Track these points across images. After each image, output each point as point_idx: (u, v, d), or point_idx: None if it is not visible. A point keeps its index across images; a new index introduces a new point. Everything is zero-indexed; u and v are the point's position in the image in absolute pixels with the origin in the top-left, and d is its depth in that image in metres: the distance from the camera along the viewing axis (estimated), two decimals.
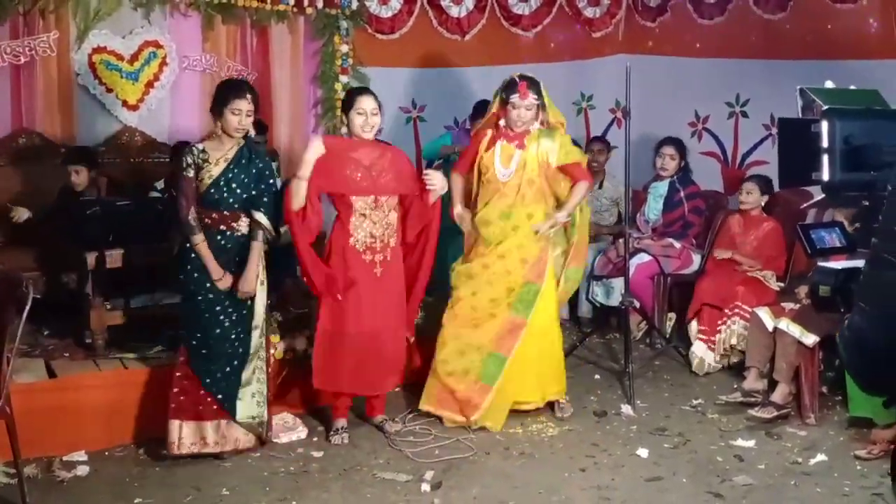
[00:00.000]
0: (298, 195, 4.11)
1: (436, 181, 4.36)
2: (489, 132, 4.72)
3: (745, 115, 6.60)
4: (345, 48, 6.36)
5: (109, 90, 5.81)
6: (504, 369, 4.62)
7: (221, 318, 4.17)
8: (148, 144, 5.91)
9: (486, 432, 4.65)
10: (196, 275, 4.13)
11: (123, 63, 5.82)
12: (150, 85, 5.92)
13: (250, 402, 4.26)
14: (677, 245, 5.99)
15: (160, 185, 5.59)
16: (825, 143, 1.87)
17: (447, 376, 4.65)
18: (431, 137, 6.83)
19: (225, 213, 4.12)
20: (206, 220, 4.13)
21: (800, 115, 2.09)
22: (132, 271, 4.81)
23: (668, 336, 5.96)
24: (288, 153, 6.23)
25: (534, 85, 4.58)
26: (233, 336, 4.20)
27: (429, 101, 6.84)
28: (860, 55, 5.58)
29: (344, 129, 6.18)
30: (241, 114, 4.05)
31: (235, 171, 4.12)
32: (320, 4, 6.21)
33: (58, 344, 4.96)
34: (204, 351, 4.17)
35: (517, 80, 4.58)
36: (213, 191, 4.09)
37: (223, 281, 4.12)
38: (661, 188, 6.17)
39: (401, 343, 4.55)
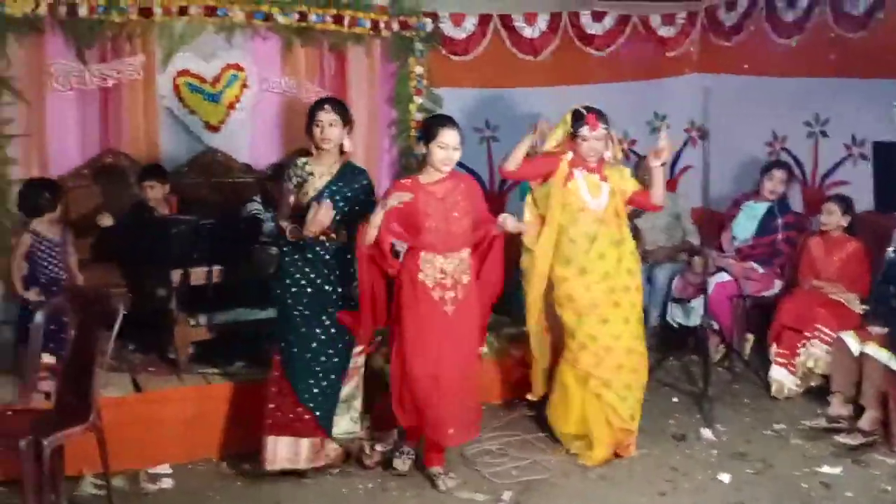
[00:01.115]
0: (370, 239, 3.98)
1: (508, 225, 4.21)
2: (564, 157, 4.60)
3: (824, 134, 6.48)
4: (419, 70, 6.42)
5: (192, 112, 5.95)
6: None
7: (317, 330, 4.18)
8: (228, 165, 6.03)
9: (564, 454, 4.62)
10: (293, 289, 4.17)
11: (206, 85, 5.95)
12: (231, 106, 6.04)
13: (347, 418, 4.29)
14: (760, 270, 5.88)
15: (252, 205, 5.61)
16: None
17: (631, 423, 4.62)
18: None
19: (327, 224, 4.10)
20: (307, 232, 4.12)
21: None
22: (215, 288, 4.90)
23: (746, 359, 5.85)
24: None
25: (601, 116, 4.55)
26: (331, 350, 4.20)
27: (502, 122, 6.85)
28: None
29: (420, 149, 6.32)
30: (322, 124, 4.12)
31: (340, 184, 4.17)
32: (396, 27, 6.28)
33: (142, 359, 5.08)
34: (300, 364, 4.18)
35: (584, 111, 4.55)
36: (317, 202, 4.09)
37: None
38: (759, 209, 6.04)
39: (473, 392, 4.30)
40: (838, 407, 4.90)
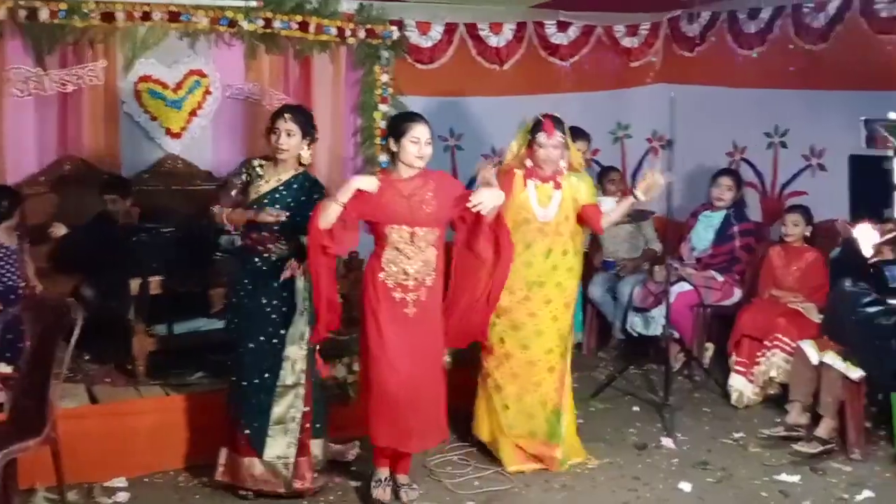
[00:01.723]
0: (329, 216, 3.80)
1: (481, 198, 3.94)
2: (517, 172, 4.53)
3: (784, 145, 6.56)
4: (385, 78, 6.41)
5: (154, 118, 5.90)
6: (564, 424, 4.58)
7: (251, 345, 4.06)
8: (190, 172, 5.98)
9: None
10: (233, 299, 4.12)
11: (168, 91, 5.90)
12: (193, 113, 6.00)
13: (282, 441, 4.07)
14: (720, 278, 5.94)
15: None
16: None
17: (518, 439, 4.56)
18: (469, 166, 6.82)
19: (265, 234, 4.04)
20: (247, 240, 4.09)
21: (864, 145, 2.08)
22: (175, 298, 4.85)
23: (707, 367, 5.90)
24: (327, 181, 6.24)
25: (559, 123, 4.50)
26: (264, 366, 4.06)
27: (466, 130, 6.86)
28: None
29: (383, 157, 6.31)
30: (279, 132, 4.03)
31: (284, 192, 4.07)
32: (362, 35, 6.26)
33: (99, 369, 5.01)
34: (234, 379, 4.10)
35: (542, 119, 4.50)
36: (255, 207, 4.04)
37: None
38: (715, 218, 6.11)
39: (438, 397, 4.12)
40: (796, 415, 4.95)
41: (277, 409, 4.07)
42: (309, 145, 4.14)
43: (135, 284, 4.77)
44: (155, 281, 4.82)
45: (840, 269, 1.51)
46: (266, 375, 4.06)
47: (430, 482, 4.40)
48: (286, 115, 4.06)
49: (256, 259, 4.08)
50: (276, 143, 4.04)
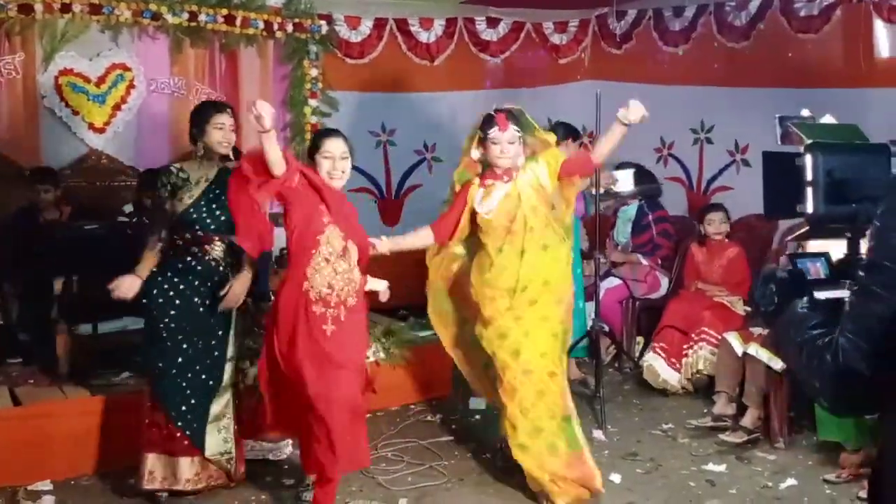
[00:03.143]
0: (273, 151, 3.49)
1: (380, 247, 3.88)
2: (475, 180, 4.18)
3: (709, 141, 6.71)
4: (314, 72, 6.34)
5: (76, 113, 5.74)
6: (578, 429, 4.19)
7: (185, 346, 3.97)
8: (114, 168, 5.84)
9: (459, 459, 4.63)
10: (160, 300, 3.96)
11: (90, 85, 5.76)
12: (116, 108, 5.86)
13: (218, 437, 4.07)
14: (644, 262, 6.05)
15: (128, 208, 5.52)
16: (809, 177, 1.91)
17: (540, 469, 4.06)
18: (401, 161, 6.84)
19: (199, 234, 3.99)
20: (179, 241, 4.00)
21: (779, 142, 2.14)
22: (100, 297, 4.73)
23: (636, 360, 6.00)
24: None
25: (513, 116, 4.09)
26: (198, 367, 4.00)
27: (398, 126, 6.85)
28: (822, 83, 5.70)
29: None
30: (224, 127, 4.01)
31: (217, 192, 3.98)
32: (290, 28, 6.19)
33: (22, 370, 4.87)
34: (167, 381, 3.98)
35: (493, 113, 4.10)
36: (192, 210, 3.97)
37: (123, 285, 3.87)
38: (630, 212, 6.25)
39: (356, 421, 3.77)
40: (723, 406, 5.06)
41: (216, 408, 4.06)
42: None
43: (58, 283, 4.64)
44: (78, 279, 4.69)
45: (787, 289, 1.56)
46: (203, 376, 4.01)
47: (364, 479, 4.37)
48: (229, 111, 4.08)
49: (189, 258, 4.00)
50: (223, 138, 4.01)
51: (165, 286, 3.98)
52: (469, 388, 4.77)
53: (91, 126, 5.80)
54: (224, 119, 4.02)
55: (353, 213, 3.88)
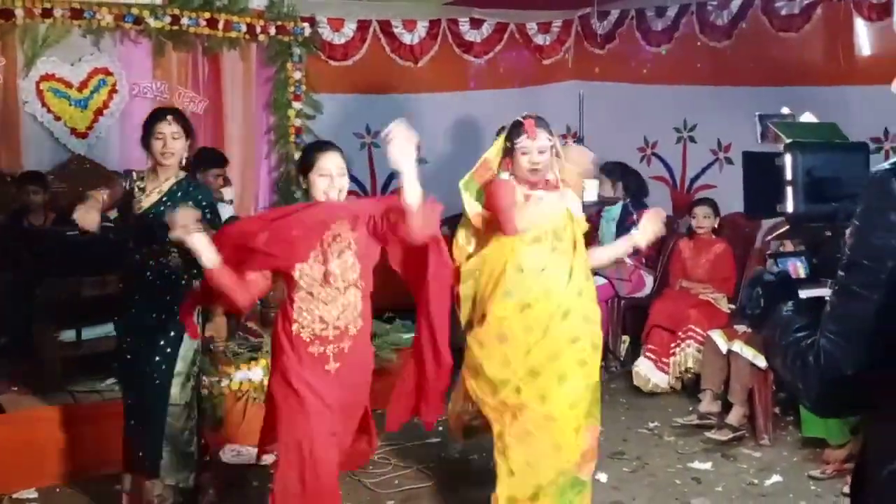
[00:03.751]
0: (217, 286, 3.16)
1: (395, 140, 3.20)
2: (510, 179, 3.64)
3: (692, 140, 6.74)
4: (298, 75, 6.33)
5: (57, 118, 5.72)
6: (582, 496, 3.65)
7: (144, 366, 3.73)
8: (97, 172, 5.80)
9: (446, 461, 4.63)
10: (122, 312, 3.83)
11: (72, 90, 5.73)
12: (99, 112, 5.84)
13: (176, 463, 3.77)
14: (628, 261, 6.07)
15: (112, 214, 5.46)
16: (789, 176, 1.92)
17: None
18: (386, 163, 6.79)
19: (154, 246, 3.72)
20: (137, 255, 3.77)
21: (759, 141, 2.15)
22: (83, 302, 4.71)
23: (622, 359, 6.02)
24: (241, 180, 6.18)
25: (543, 122, 3.63)
26: (148, 386, 3.71)
27: (382, 127, 6.74)
28: (803, 82, 5.73)
29: (298, 155, 6.24)
30: (164, 137, 3.72)
31: (169, 204, 3.66)
32: (273, 31, 6.18)
33: (6, 377, 4.83)
34: (127, 400, 3.82)
35: (521, 119, 3.62)
36: (141, 219, 3.73)
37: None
38: (614, 211, 6.27)
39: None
40: (708, 404, 5.08)
41: (169, 429, 3.75)
42: (191, 147, 3.89)
43: (42, 288, 4.61)
44: (63, 285, 4.66)
45: (773, 293, 1.56)
46: (159, 395, 3.73)
47: (351, 482, 4.37)
48: (169, 118, 3.77)
49: (148, 273, 3.76)
50: (164, 148, 3.72)
51: (126, 299, 3.82)
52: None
53: (73, 131, 5.78)
54: (163, 128, 3.73)
55: (334, 208, 3.30)
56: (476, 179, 3.73)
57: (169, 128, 3.73)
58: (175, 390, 3.74)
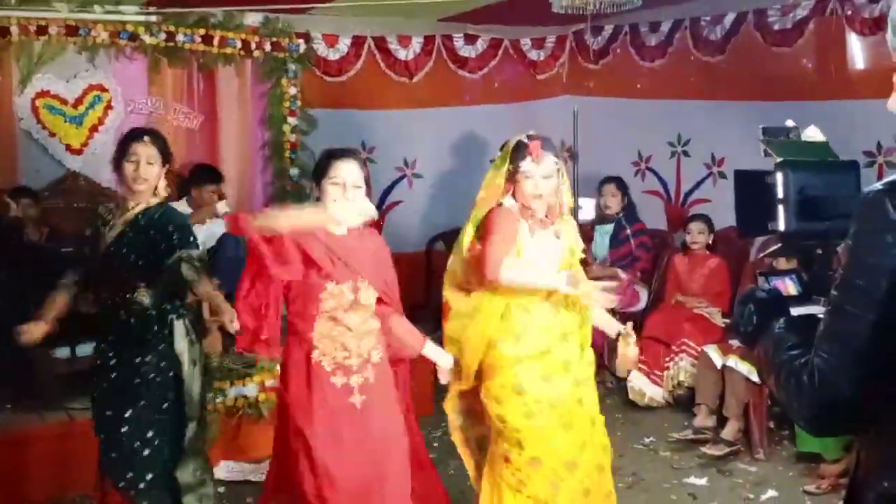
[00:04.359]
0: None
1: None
2: (512, 209, 3.41)
3: (686, 154, 6.76)
4: (293, 90, 6.34)
5: (52, 134, 5.71)
6: None
7: (127, 415, 3.30)
8: (92, 189, 5.81)
9: (442, 475, 4.61)
10: (102, 344, 3.44)
11: (67, 107, 5.73)
12: (94, 129, 5.83)
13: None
14: (623, 275, 6.08)
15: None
16: (780, 194, 1.93)
17: None
18: (382, 178, 6.84)
19: (120, 281, 3.32)
20: (104, 293, 3.40)
21: (763, 155, 2.15)
22: (78, 319, 4.69)
23: (617, 374, 6.01)
24: (236, 195, 6.19)
25: (550, 144, 3.38)
26: (150, 434, 3.31)
27: (378, 143, 6.86)
28: (797, 96, 5.76)
29: (294, 170, 6.26)
30: (138, 160, 3.32)
31: (132, 235, 3.33)
32: (268, 47, 6.19)
33: (0, 394, 4.82)
34: (114, 445, 3.33)
35: (526, 140, 3.35)
36: (106, 257, 3.35)
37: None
38: (608, 226, 6.29)
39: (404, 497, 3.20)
40: (703, 418, 5.08)
41: (184, 477, 3.39)
42: (167, 174, 3.48)
43: (37, 305, 4.59)
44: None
45: (766, 310, 1.57)
46: (158, 441, 3.33)
47: None
48: (146, 139, 3.38)
49: (122, 312, 3.34)
50: (136, 173, 3.33)
51: (103, 348, 3.45)
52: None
53: (68, 148, 5.77)
54: (138, 149, 3.34)
55: (378, 250, 3.23)
56: (482, 207, 3.46)
57: (145, 149, 3.35)
58: (190, 435, 3.41)
